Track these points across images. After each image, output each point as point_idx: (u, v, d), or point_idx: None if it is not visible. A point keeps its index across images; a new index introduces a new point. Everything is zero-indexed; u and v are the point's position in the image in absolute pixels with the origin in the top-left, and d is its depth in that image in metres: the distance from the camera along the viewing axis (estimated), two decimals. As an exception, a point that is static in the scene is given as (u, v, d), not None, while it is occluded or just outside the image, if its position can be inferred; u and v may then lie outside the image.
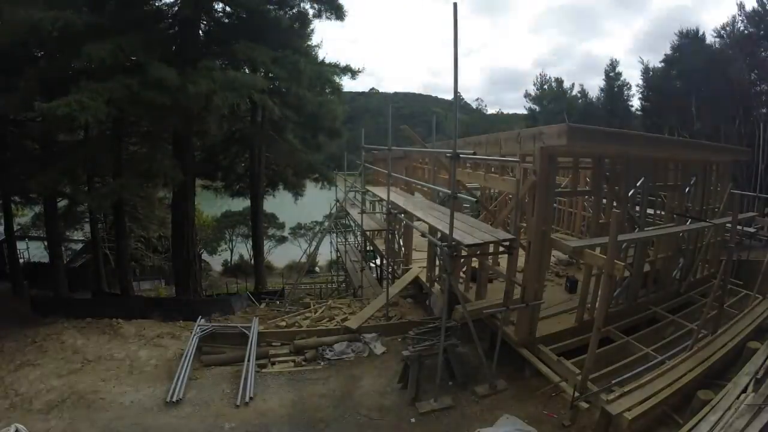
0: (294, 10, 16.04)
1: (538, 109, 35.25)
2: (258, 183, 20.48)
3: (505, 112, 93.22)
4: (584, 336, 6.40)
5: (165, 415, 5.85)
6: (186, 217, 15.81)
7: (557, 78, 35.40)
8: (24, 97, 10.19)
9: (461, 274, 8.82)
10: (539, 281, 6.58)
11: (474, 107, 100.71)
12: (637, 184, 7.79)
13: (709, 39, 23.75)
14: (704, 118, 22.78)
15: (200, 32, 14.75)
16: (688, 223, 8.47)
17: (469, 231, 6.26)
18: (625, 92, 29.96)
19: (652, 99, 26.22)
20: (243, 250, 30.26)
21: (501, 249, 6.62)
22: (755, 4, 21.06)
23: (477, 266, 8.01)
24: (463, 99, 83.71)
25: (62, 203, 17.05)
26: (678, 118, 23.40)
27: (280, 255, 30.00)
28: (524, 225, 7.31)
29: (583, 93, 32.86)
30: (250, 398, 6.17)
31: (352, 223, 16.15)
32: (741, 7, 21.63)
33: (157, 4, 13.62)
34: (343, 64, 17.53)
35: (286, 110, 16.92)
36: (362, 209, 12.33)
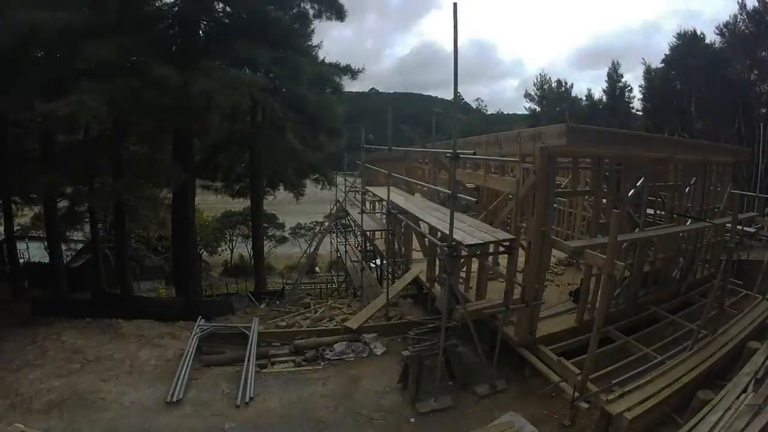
0: (294, 10, 16.08)
1: (538, 110, 35.30)
2: (258, 183, 20.49)
3: (505, 112, 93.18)
4: (584, 336, 6.40)
5: (165, 415, 5.85)
6: (186, 217, 15.83)
7: (558, 79, 35.46)
8: (24, 98, 10.20)
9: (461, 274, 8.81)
10: (539, 281, 6.58)
11: (474, 107, 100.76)
12: (637, 184, 7.78)
13: (710, 38, 23.74)
14: (704, 119, 22.79)
15: (200, 32, 14.77)
16: (688, 223, 8.46)
17: (469, 231, 6.27)
18: (627, 94, 30.03)
19: (653, 99, 26.24)
20: (243, 250, 30.29)
21: (501, 249, 6.61)
22: (756, 3, 21.06)
23: (477, 266, 8.02)
24: (463, 99, 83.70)
25: (62, 203, 17.05)
26: (678, 119, 23.42)
27: (280, 255, 30.04)
28: (524, 225, 7.31)
29: (590, 95, 32.86)
30: (250, 398, 6.17)
31: (352, 223, 16.15)
32: (742, 6, 21.62)
33: (157, 4, 13.63)
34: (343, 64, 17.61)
35: (286, 110, 16.93)
36: (362, 209, 12.33)
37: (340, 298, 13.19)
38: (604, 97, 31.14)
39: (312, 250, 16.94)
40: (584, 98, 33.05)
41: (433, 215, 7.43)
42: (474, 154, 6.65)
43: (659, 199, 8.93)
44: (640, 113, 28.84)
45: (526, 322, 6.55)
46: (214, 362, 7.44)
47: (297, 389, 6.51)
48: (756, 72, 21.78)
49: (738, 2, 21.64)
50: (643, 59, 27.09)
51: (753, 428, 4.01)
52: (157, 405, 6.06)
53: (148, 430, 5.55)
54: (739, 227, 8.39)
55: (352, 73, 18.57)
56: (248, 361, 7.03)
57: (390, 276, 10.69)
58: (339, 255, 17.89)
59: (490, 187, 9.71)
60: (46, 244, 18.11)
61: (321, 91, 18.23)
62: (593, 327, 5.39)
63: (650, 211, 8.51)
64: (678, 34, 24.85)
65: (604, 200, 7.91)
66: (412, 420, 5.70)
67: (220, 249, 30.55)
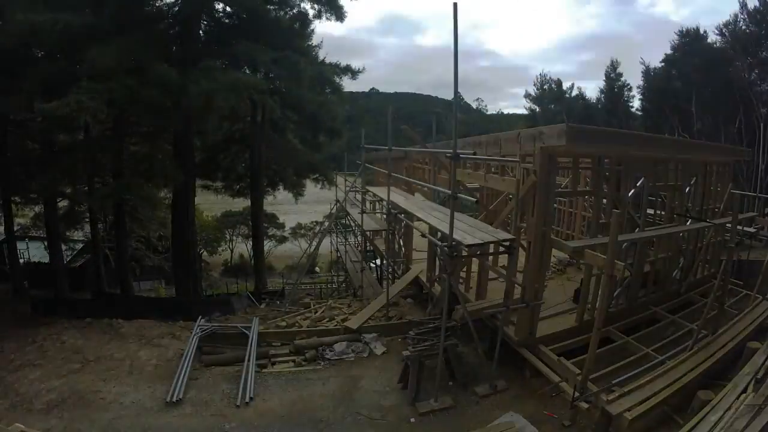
0: (294, 11, 16.08)
1: (538, 110, 35.30)
2: (258, 183, 20.50)
3: (505, 112, 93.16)
4: (584, 336, 6.40)
5: (165, 415, 5.85)
6: (186, 216, 15.82)
7: (557, 78, 35.46)
8: (25, 98, 10.20)
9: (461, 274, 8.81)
10: (539, 281, 6.58)
11: (474, 107, 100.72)
12: (637, 184, 7.79)
13: (711, 38, 23.75)
14: (704, 118, 22.80)
15: (200, 32, 14.76)
16: (688, 223, 8.47)
17: (469, 231, 6.26)
18: (626, 93, 30.01)
19: (653, 99, 26.23)
20: (243, 250, 30.30)
21: (501, 249, 6.61)
22: (757, 3, 21.07)
23: (477, 266, 8.01)
24: (462, 99, 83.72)
25: (62, 203, 17.07)
26: (678, 118, 23.43)
27: (280, 255, 30.05)
28: (524, 225, 7.31)
29: (582, 95, 32.83)
30: (251, 398, 6.17)
31: (352, 223, 16.16)
32: (743, 5, 21.64)
33: (157, 4, 13.63)
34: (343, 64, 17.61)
35: (286, 110, 16.95)
36: (362, 209, 12.33)
37: (340, 298, 13.17)
38: (602, 97, 31.13)
39: (312, 250, 16.95)
40: (581, 94, 32.99)
41: (433, 215, 7.42)
42: (474, 154, 6.66)
43: (659, 199, 8.94)
44: (640, 113, 28.85)
45: (527, 322, 6.55)
46: (214, 362, 7.44)
47: (297, 389, 6.51)
48: (756, 72, 21.79)
49: (739, 2, 21.66)
50: (642, 58, 27.09)
51: (753, 428, 4.01)
52: (157, 405, 6.06)
53: (148, 430, 5.55)
54: (739, 227, 8.39)
55: (352, 72, 18.55)
56: (248, 361, 7.03)
57: (390, 276, 10.70)
58: (339, 255, 17.89)
59: (490, 187, 9.72)
60: (46, 244, 18.12)
61: (321, 91, 18.21)
62: (593, 327, 5.39)
63: (650, 211, 8.51)
64: (680, 31, 24.84)
65: (604, 200, 7.91)
66: (412, 420, 5.70)
67: (220, 249, 30.55)
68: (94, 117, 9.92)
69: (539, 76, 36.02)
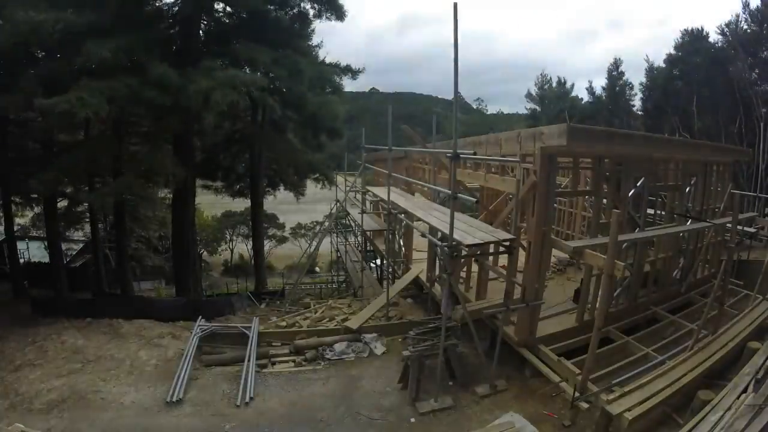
0: (294, 10, 16.06)
1: (539, 109, 35.21)
2: (258, 183, 20.48)
3: (505, 112, 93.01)
4: (584, 336, 6.40)
5: (165, 415, 5.85)
6: (186, 217, 15.82)
7: (559, 78, 35.33)
8: (25, 97, 10.19)
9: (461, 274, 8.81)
10: (539, 281, 6.58)
11: (474, 107, 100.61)
12: (638, 184, 7.78)
13: (713, 37, 23.73)
14: (705, 118, 22.78)
15: (200, 32, 14.75)
16: (688, 223, 8.46)
17: (469, 231, 6.26)
18: (627, 92, 29.91)
19: (654, 99, 26.22)
20: (243, 250, 30.32)
21: (501, 249, 6.61)
22: (759, 3, 21.05)
23: (477, 266, 8.01)
24: (463, 99, 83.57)
25: (62, 203, 17.06)
26: (679, 118, 23.42)
27: (281, 255, 30.07)
28: (524, 225, 7.31)
29: (591, 90, 32.67)
30: (251, 398, 6.18)
31: (353, 223, 16.15)
32: (745, 5, 21.61)
33: (157, 4, 13.62)
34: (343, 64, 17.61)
35: (286, 110, 16.91)
36: (362, 209, 12.33)
37: (340, 298, 13.17)
38: (604, 95, 31.03)
39: (312, 250, 16.93)
40: (585, 93, 32.88)
41: (433, 215, 7.42)
42: (474, 154, 6.65)
43: (659, 199, 8.93)
44: (641, 113, 28.79)
45: (527, 322, 6.55)
46: (214, 362, 7.44)
47: (297, 389, 6.52)
48: (757, 71, 21.77)
49: (741, 1, 21.63)
50: (647, 56, 27.11)
51: (753, 428, 4.00)
52: (157, 405, 6.07)
53: (148, 430, 5.55)
54: (739, 227, 8.38)
55: (352, 72, 18.54)
56: (248, 361, 7.03)
57: (390, 276, 10.69)
58: (339, 255, 17.90)
59: (490, 187, 9.71)
60: (46, 244, 18.11)
61: (321, 91, 18.19)
62: (593, 327, 5.39)
63: (650, 211, 8.50)
64: (683, 30, 24.84)
65: (604, 200, 7.91)
66: (412, 420, 5.70)
67: (220, 249, 30.57)
68: (95, 113, 9.89)
69: (540, 76, 35.97)
